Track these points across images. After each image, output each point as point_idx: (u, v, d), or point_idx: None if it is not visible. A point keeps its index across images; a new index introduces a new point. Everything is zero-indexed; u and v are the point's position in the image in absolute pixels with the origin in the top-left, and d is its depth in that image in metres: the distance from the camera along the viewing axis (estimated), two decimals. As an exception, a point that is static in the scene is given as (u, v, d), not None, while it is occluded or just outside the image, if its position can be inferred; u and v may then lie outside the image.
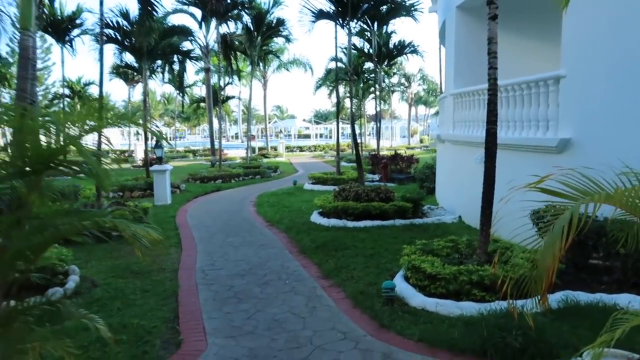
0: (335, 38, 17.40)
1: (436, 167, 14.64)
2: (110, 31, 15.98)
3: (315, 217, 11.06)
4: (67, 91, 32.63)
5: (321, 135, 64.34)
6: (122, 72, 32.97)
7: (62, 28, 22.29)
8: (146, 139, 18.01)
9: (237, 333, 5.22)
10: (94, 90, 33.25)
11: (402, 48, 24.04)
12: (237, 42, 27.16)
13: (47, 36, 26.85)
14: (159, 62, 22.00)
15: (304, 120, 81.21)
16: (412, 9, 20.92)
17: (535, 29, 11.81)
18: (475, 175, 9.74)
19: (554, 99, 7.17)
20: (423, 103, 71.36)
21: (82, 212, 4.57)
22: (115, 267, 7.91)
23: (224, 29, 26.41)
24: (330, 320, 5.49)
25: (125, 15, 15.84)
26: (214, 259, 8.39)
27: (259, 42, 25.55)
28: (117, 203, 10.97)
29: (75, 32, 22.82)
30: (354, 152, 13.45)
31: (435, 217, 10.77)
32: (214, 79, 26.61)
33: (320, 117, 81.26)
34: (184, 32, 17.96)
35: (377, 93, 25.60)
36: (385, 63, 24.80)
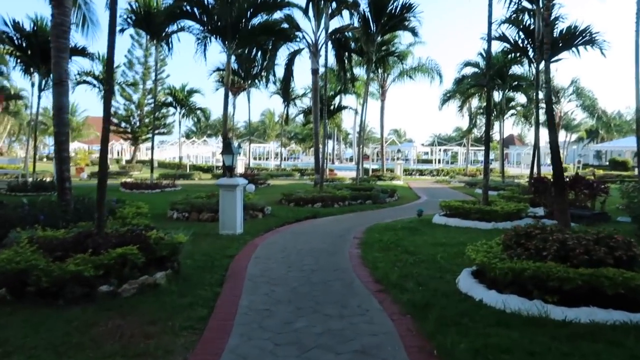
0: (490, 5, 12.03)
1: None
2: (186, 5, 12.48)
3: (469, 284, 5.76)
4: (169, 99, 31.04)
5: (439, 161, 57.66)
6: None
7: (156, 23, 19.68)
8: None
9: None
10: (198, 100, 31.21)
11: (572, 37, 17.63)
12: (351, 41, 22.89)
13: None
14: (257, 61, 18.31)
15: (422, 144, 75.14)
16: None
17: None
18: None
19: None
20: (564, 128, 61.40)
21: None
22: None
23: (335, 23, 22.45)
24: None
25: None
26: (244, 389, 3.52)
27: (378, 37, 20.90)
28: (130, 232, 6.74)
29: (172, 27, 20.10)
30: (554, 164, 7.61)
31: None
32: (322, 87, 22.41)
33: (440, 143, 74.37)
34: (279, 5, 13.84)
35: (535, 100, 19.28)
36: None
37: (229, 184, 10.06)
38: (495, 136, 62.83)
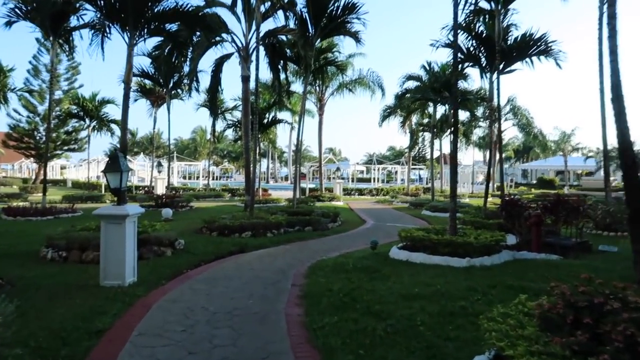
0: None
1: None
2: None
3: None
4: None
5: (376, 180, 56.00)
6: (147, 89, 27.08)
7: (54, 15, 16.25)
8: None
9: None
10: (113, 111, 27.45)
11: (527, 46, 16.22)
12: (287, 47, 20.47)
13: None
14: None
15: (357, 163, 74.11)
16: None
17: None
18: None
19: None
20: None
21: None
22: None
23: (269, 25, 19.92)
24: None
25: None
26: None
27: (317, 41, 18.67)
28: None
29: (74, 22, 16.69)
30: (631, 188, 5.15)
31: None
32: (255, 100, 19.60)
33: (379, 162, 73.46)
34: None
35: (492, 116, 17.71)
36: (499, 70, 16.95)
37: (113, 214, 7.05)
38: (430, 154, 62.70)
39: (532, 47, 16.31)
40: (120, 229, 7.07)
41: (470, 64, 17.80)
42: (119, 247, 7.08)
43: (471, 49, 16.74)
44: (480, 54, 16.83)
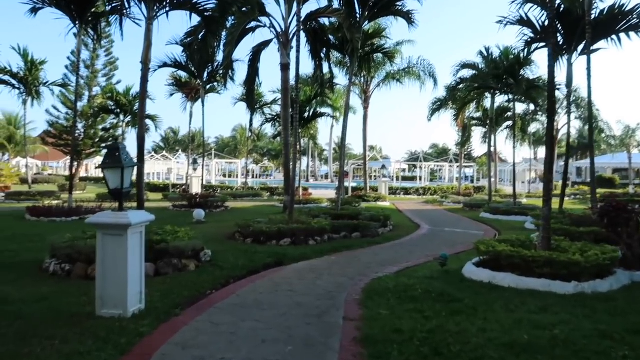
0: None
1: None
2: None
3: None
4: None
5: (421, 179, 53.05)
6: (182, 82, 25.84)
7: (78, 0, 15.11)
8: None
9: None
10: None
11: (615, 20, 13.70)
12: (330, 32, 18.60)
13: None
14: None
15: (397, 161, 71.48)
16: None
17: None
18: None
19: None
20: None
21: None
22: None
23: (311, 7, 18.15)
24: None
25: None
26: None
27: (365, 23, 16.73)
28: None
29: (100, 7, 15.52)
30: None
31: None
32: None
33: (415, 160, 70.41)
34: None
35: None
36: (579, 51, 14.53)
37: (111, 224, 5.39)
38: (477, 151, 59.31)
39: (622, 21, 13.78)
40: (121, 242, 5.40)
41: (543, 44, 15.35)
42: (120, 266, 5.42)
43: (546, 25, 14.32)
44: (557, 33, 14.41)
